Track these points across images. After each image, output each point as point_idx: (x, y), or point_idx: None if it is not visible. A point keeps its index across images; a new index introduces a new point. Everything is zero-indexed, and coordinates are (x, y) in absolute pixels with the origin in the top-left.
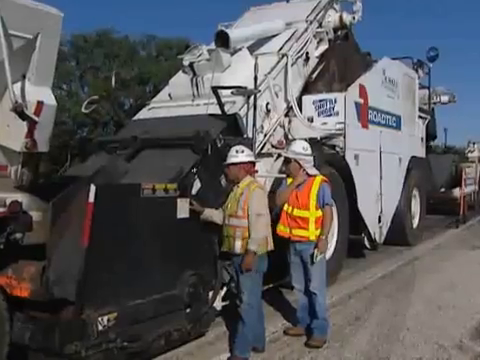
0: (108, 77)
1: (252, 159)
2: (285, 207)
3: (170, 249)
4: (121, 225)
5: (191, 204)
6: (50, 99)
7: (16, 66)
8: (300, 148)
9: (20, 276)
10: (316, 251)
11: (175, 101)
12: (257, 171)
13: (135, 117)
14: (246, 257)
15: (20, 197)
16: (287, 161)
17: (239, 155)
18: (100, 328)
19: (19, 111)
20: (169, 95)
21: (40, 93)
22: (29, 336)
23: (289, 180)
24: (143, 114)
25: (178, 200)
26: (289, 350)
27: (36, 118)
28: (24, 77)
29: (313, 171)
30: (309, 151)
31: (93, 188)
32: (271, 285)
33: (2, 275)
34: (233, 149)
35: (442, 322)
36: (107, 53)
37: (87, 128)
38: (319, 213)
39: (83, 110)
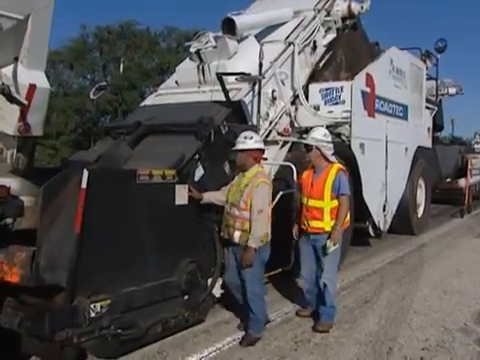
0: (129, 67)
1: (261, 146)
2: (302, 199)
3: (167, 236)
4: (115, 211)
5: (190, 191)
6: (43, 82)
7: (7, 48)
8: (321, 135)
9: (11, 261)
10: (329, 242)
11: (182, 88)
12: (266, 159)
13: (142, 103)
14: (246, 253)
15: (8, 182)
16: (308, 149)
17: (247, 141)
18: (92, 315)
19: (6, 93)
20: (176, 82)
21: (33, 76)
22: (18, 322)
23: (305, 173)
24: (150, 101)
25: (176, 186)
26: (301, 330)
27: (24, 101)
28: (17, 60)
29: (333, 158)
30: (330, 138)
31: (86, 173)
32: (273, 272)
33: None
34: (242, 135)
35: (448, 306)
36: (129, 44)
37: (109, 116)
38: (334, 203)
39: (91, 96)
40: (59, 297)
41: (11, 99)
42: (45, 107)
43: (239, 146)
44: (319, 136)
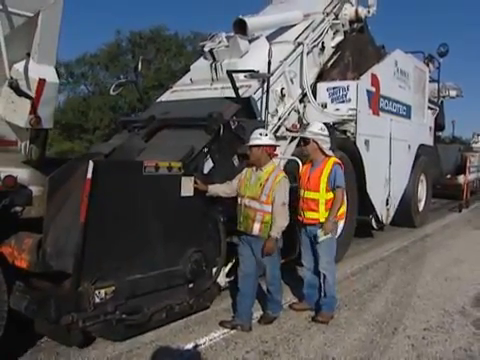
0: (159, 69)
1: (274, 143)
2: (300, 191)
3: (173, 226)
4: (121, 202)
5: (196, 182)
6: (52, 77)
7: (18, 44)
8: (318, 129)
9: (20, 247)
10: (320, 231)
11: (195, 85)
12: (277, 155)
13: (158, 99)
14: (268, 243)
15: (17, 172)
16: (305, 142)
17: (263, 137)
18: (97, 300)
19: (14, 87)
20: (190, 79)
21: (42, 71)
22: (25, 305)
23: (303, 167)
24: (165, 97)
25: (182, 178)
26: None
27: (31, 94)
28: (29, 55)
29: (329, 152)
30: (326, 132)
31: (91, 164)
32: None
33: (6, 245)
34: (256, 131)
35: (448, 291)
36: (159, 48)
37: (139, 112)
38: (330, 195)
39: (111, 92)
40: (65, 283)
41: (19, 93)
42: (54, 101)
43: (255, 141)
44: (316, 130)
